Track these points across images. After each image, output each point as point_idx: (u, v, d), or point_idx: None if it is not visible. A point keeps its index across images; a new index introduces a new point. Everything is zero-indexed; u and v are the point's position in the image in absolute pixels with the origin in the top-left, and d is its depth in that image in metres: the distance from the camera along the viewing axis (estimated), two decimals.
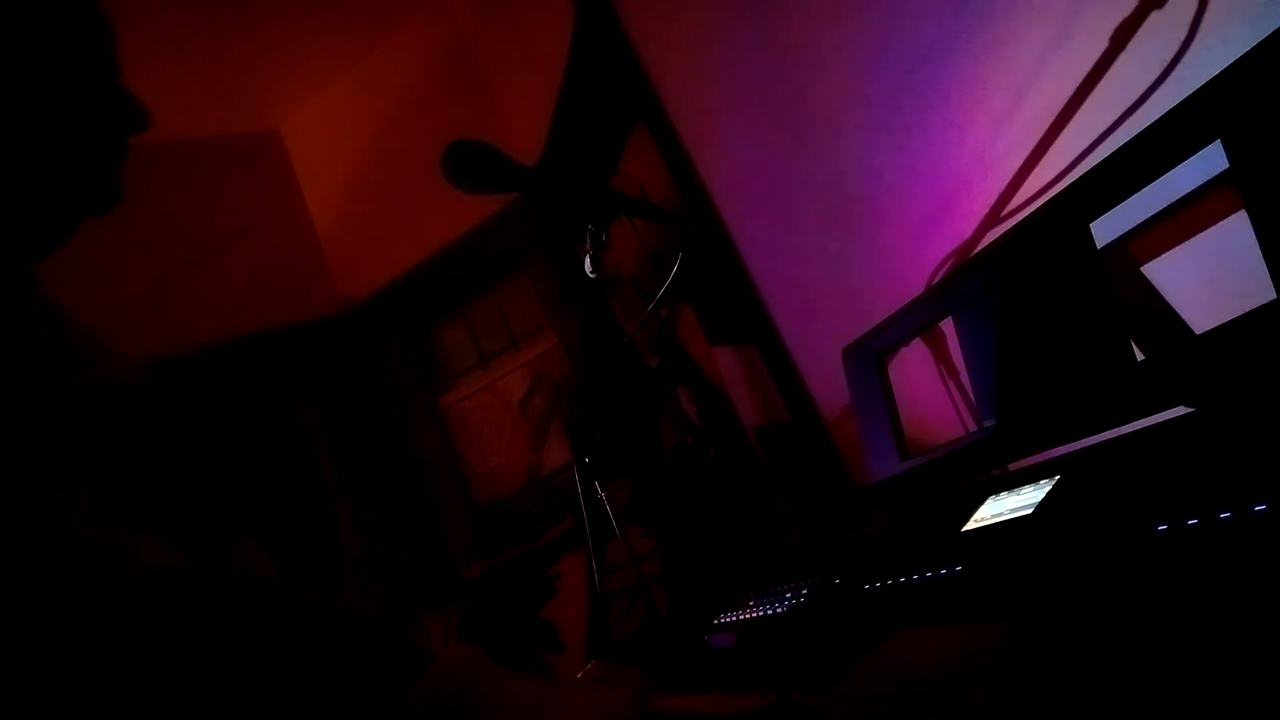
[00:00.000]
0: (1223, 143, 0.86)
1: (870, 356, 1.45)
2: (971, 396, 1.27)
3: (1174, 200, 1.07)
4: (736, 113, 2.04)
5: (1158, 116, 0.94)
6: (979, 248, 1.54)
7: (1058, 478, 0.93)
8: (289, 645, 0.73)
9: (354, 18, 3.05)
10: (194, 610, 0.74)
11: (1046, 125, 1.43)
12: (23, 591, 0.67)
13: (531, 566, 2.73)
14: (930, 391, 1.57)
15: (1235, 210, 1.00)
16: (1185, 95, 0.91)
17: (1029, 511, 0.90)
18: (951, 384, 1.56)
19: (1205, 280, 1.08)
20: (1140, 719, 0.57)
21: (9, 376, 0.72)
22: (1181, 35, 1.22)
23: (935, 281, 1.56)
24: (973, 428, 1.46)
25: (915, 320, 1.39)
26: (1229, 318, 0.87)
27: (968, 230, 1.57)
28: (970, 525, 0.99)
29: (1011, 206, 1.49)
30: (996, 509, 0.98)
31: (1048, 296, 1.07)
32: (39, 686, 0.66)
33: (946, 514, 1.07)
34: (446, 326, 3.26)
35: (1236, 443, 0.75)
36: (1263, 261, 0.81)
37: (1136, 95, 1.29)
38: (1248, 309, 0.84)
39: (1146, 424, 0.95)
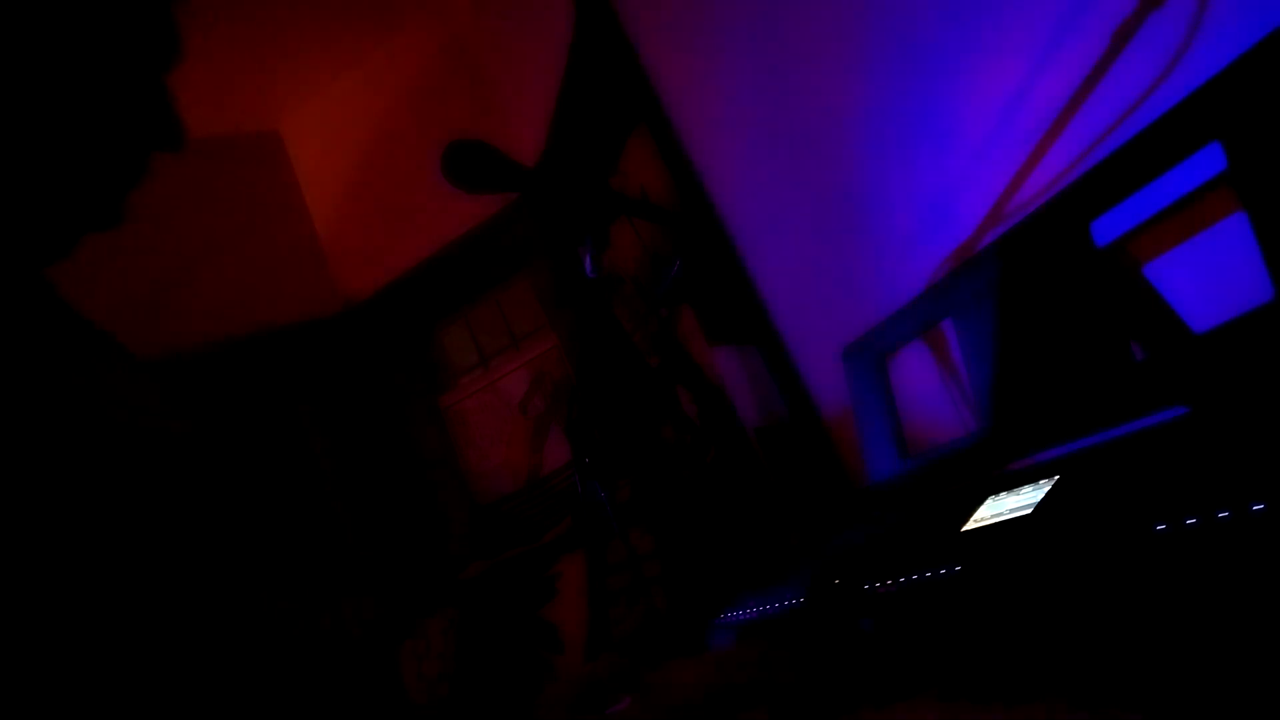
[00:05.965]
0: (1222, 144, 0.86)
1: (870, 356, 1.46)
2: (971, 396, 1.27)
3: (1174, 200, 1.07)
4: (737, 113, 2.04)
5: (1158, 116, 0.94)
6: (979, 248, 1.53)
7: (1057, 478, 0.93)
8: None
9: (354, 18, 3.05)
10: (189, 476, 0.76)
11: (1047, 125, 1.43)
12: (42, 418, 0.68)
13: (531, 566, 2.73)
14: (930, 391, 1.57)
15: (1235, 210, 1.00)
16: (1185, 95, 0.91)
17: (1028, 511, 0.90)
18: (951, 384, 1.56)
19: (1205, 280, 1.08)
20: (1141, 716, 0.57)
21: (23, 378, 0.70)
22: (1181, 35, 1.22)
23: (935, 281, 1.56)
24: (973, 428, 1.46)
25: (915, 320, 1.39)
26: (1229, 318, 0.87)
27: (968, 230, 1.56)
28: (970, 525, 0.99)
29: (1011, 206, 1.49)
30: (996, 509, 0.98)
31: (1047, 296, 1.07)
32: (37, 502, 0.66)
33: (946, 514, 1.07)
34: (446, 326, 3.26)
35: (1235, 443, 0.75)
36: (1262, 261, 0.81)
37: (1136, 95, 1.28)
38: (1247, 309, 0.85)
39: (1146, 424, 0.95)
